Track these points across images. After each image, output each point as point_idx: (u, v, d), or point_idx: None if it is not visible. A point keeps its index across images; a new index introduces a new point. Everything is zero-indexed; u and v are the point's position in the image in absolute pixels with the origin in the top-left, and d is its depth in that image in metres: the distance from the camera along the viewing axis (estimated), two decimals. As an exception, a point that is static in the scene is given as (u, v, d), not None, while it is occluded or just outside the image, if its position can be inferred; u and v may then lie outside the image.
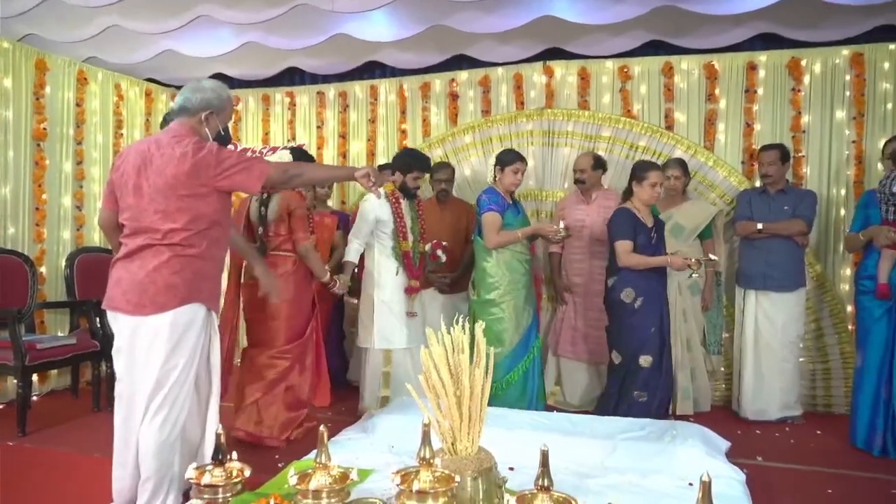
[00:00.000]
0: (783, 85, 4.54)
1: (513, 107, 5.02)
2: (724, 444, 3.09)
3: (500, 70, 5.07)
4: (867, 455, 3.39)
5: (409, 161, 3.92)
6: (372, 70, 5.51)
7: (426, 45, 4.95)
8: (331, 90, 5.58)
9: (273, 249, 3.45)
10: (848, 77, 4.42)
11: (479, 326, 1.98)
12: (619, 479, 2.54)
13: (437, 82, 5.26)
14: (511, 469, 2.37)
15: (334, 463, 1.67)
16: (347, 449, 2.84)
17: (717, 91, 4.65)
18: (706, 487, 1.29)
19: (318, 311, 3.68)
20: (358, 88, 5.49)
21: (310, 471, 1.65)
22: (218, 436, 1.58)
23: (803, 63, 4.48)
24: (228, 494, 1.56)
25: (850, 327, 4.18)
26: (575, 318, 4.28)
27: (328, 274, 3.60)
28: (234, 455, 1.73)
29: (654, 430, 3.06)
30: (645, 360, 3.54)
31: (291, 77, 5.75)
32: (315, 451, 1.66)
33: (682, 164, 4.25)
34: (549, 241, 4.19)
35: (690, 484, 2.44)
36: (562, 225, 3.85)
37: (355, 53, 5.19)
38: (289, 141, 5.67)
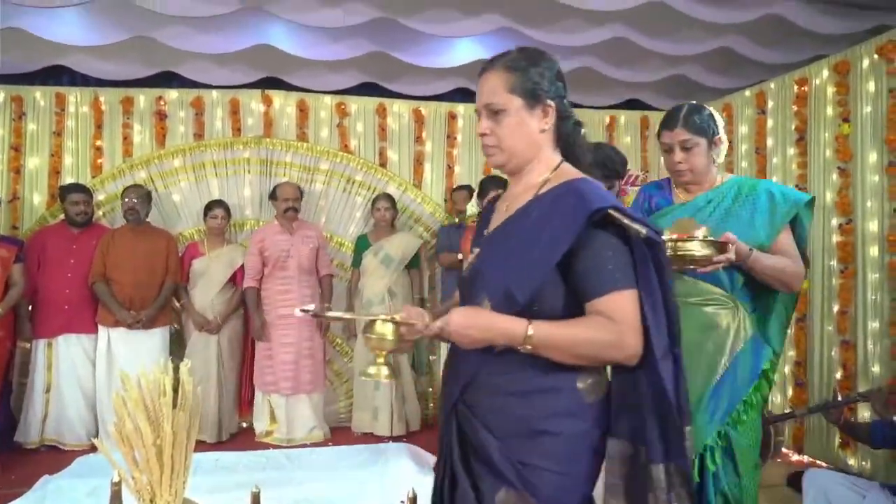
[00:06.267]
0: (476, 134, 5.20)
1: (229, 132, 4.82)
2: (432, 459, 3.34)
3: (214, 93, 4.84)
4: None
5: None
6: (58, 75, 4.77)
7: (129, 56, 4.49)
8: (0, 93, 4.66)
9: None
10: (525, 133, 5.27)
11: (185, 365, 1.83)
12: (337, 509, 2.57)
13: (142, 98, 4.78)
14: (222, 516, 2.22)
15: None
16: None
17: (423, 134, 5.13)
18: (412, 503, 1.38)
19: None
20: (39, 95, 4.69)
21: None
22: None
23: (492, 117, 5.21)
24: None
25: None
26: (288, 352, 4.17)
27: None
28: None
29: (369, 454, 3.18)
30: None
31: (-59, 71, 4.66)
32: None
33: (390, 198, 4.57)
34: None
35: (402, 502, 2.58)
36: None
37: (36, 53, 4.43)
38: (-65, 149, 4.56)
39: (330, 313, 1.47)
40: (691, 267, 1.89)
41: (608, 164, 2.64)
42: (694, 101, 2.08)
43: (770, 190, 2.03)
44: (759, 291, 2.04)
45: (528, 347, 1.21)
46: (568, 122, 1.39)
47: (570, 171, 1.36)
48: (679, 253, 1.84)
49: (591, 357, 1.23)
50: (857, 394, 2.95)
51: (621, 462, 1.26)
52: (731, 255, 1.83)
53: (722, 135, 2.05)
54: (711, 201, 2.05)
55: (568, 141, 1.40)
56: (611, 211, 1.21)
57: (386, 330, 1.28)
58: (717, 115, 2.06)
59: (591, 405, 1.28)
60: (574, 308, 1.25)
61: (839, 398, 2.81)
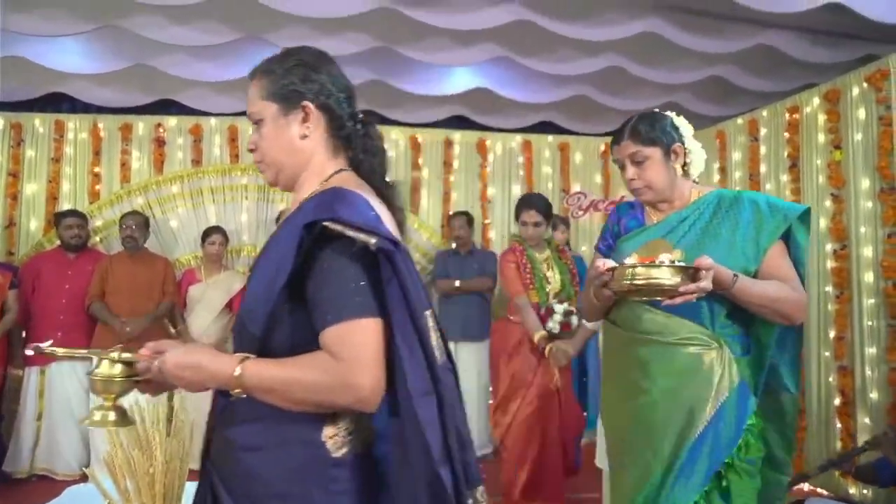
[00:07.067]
0: (473, 161, 5.25)
1: (227, 159, 4.85)
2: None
3: (213, 120, 4.88)
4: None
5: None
6: (58, 102, 4.81)
7: (128, 84, 4.53)
8: (-1, 120, 4.70)
9: None
10: (521, 159, 5.31)
11: (178, 392, 1.81)
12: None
13: (141, 125, 4.82)
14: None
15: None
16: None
17: (420, 161, 5.16)
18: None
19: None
20: (38, 121, 4.73)
21: None
22: None
23: (488, 143, 5.26)
24: None
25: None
26: None
27: None
28: None
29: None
30: None
31: (-60, 98, 4.70)
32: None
33: None
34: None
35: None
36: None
37: (36, 80, 4.47)
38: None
39: (61, 350, 1.25)
40: (658, 298, 1.55)
41: None
42: (655, 109, 1.81)
43: (755, 200, 1.70)
44: (750, 325, 1.70)
45: (238, 391, 1.01)
46: (345, 121, 1.18)
47: (341, 181, 1.12)
48: (639, 281, 1.48)
49: (311, 402, 1.00)
50: (866, 442, 2.96)
51: None
52: (705, 284, 1.48)
53: (687, 143, 1.76)
54: (686, 219, 1.72)
55: (352, 144, 1.19)
56: (327, 223, 0.98)
57: (113, 371, 1.12)
58: (680, 122, 1.78)
59: (342, 462, 1.04)
60: (311, 344, 1.01)
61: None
